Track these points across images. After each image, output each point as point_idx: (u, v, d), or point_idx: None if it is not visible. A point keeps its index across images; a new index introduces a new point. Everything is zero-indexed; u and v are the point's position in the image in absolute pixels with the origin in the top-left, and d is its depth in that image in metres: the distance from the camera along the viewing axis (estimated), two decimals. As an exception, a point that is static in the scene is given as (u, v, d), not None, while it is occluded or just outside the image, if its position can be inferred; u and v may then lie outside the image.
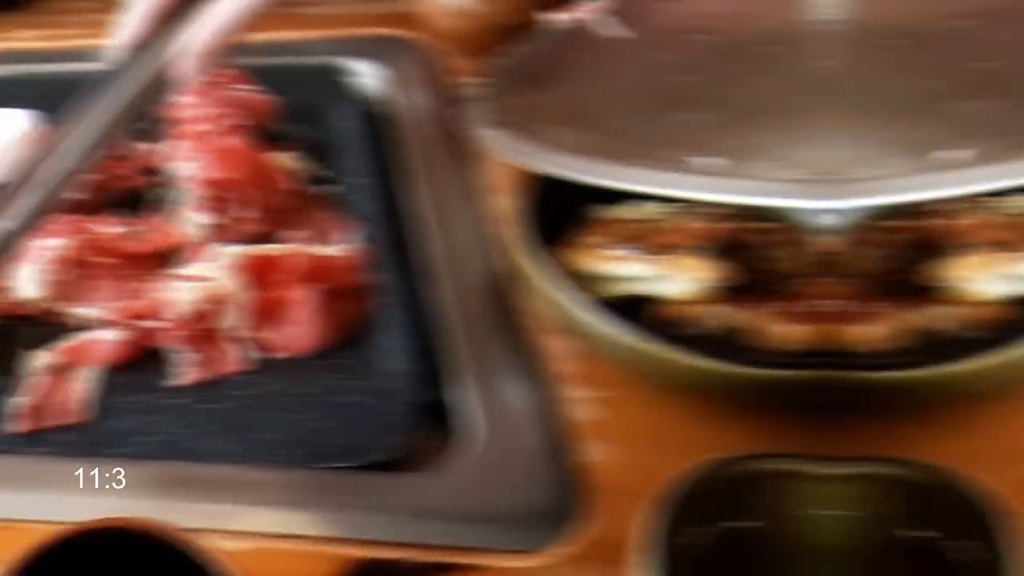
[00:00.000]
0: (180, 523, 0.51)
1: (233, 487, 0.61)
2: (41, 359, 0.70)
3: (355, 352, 0.70)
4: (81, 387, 0.69)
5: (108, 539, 0.47)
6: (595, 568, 0.55)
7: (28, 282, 0.73)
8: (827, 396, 0.62)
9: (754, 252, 0.67)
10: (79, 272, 0.74)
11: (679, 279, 0.64)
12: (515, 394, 0.64)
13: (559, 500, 0.58)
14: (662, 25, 0.73)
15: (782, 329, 0.64)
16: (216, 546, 0.45)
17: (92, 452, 0.64)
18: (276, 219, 0.79)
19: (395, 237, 0.77)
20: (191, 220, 0.78)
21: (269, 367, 0.70)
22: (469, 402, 0.64)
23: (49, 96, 0.77)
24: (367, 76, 0.98)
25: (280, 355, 0.70)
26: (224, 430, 0.66)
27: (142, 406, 0.67)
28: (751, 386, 0.60)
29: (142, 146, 0.87)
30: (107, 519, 0.48)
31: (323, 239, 0.77)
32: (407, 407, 0.65)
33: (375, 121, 0.92)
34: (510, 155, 0.58)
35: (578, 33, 0.75)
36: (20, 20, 1.10)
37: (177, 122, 0.85)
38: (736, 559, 0.52)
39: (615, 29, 0.70)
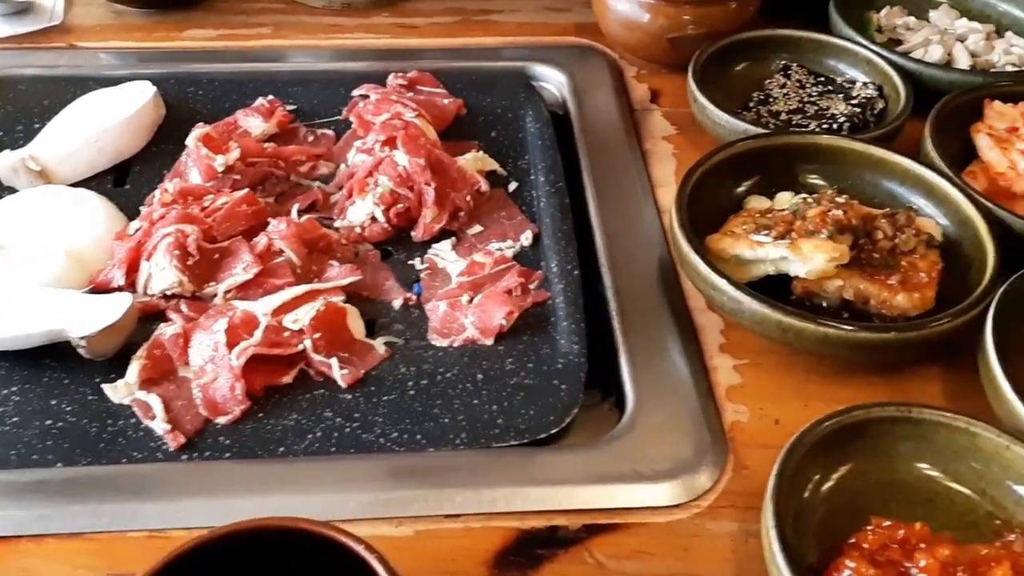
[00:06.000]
0: (344, 516, 0.60)
1: (398, 475, 0.65)
2: (194, 357, 0.73)
3: (527, 338, 0.78)
4: (228, 385, 0.71)
5: (257, 540, 0.51)
6: (735, 516, 0.65)
7: (162, 271, 0.79)
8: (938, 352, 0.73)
9: (867, 233, 0.76)
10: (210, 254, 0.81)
11: (805, 259, 0.74)
12: (672, 367, 0.75)
13: (707, 458, 0.68)
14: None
15: (895, 296, 0.74)
16: (382, 534, 0.52)
17: (250, 454, 0.68)
18: (454, 214, 0.89)
19: (570, 230, 0.88)
20: (365, 211, 0.87)
21: (439, 357, 0.76)
22: (631, 376, 0.74)
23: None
24: (551, 81, 1.10)
25: (450, 346, 0.77)
26: (392, 420, 0.70)
27: (302, 403, 0.72)
28: (872, 346, 0.71)
29: (323, 135, 0.99)
30: (252, 520, 0.51)
31: (500, 235, 0.89)
32: (573, 386, 0.73)
33: (557, 123, 1.04)
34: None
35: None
36: (196, 19, 1.15)
37: (361, 118, 0.97)
38: (853, 493, 0.64)
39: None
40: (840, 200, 0.78)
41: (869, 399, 0.67)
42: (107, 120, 0.95)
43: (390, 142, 0.92)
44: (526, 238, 0.89)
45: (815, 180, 0.88)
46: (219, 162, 0.89)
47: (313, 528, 0.52)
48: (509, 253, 0.88)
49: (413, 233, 0.90)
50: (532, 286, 0.84)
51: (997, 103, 0.94)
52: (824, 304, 0.77)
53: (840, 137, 0.88)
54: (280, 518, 0.53)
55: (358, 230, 0.89)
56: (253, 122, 0.97)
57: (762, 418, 0.71)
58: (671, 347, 0.77)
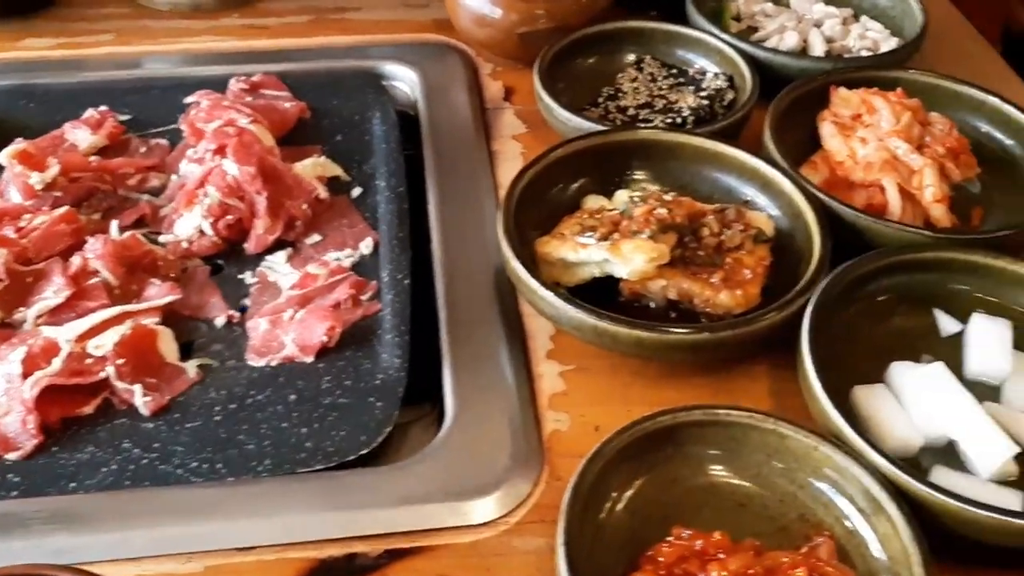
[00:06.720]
0: (130, 554, 0.58)
1: (190, 507, 0.62)
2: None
3: (350, 354, 0.74)
4: (20, 418, 0.67)
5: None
6: (543, 531, 0.62)
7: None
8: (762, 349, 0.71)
9: (693, 230, 0.75)
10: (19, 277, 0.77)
11: (625, 260, 0.72)
12: (498, 376, 0.72)
13: (520, 472, 0.66)
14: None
15: (717, 294, 0.72)
16: (170, 571, 0.50)
17: (39, 491, 0.64)
18: (290, 224, 0.86)
19: (409, 237, 0.85)
20: (193, 224, 0.84)
21: (253, 379, 0.73)
22: (453, 389, 0.71)
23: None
24: (404, 80, 1.06)
25: (267, 366, 0.74)
26: (193, 449, 0.67)
27: (101, 435, 0.68)
28: (687, 347, 0.69)
29: (156, 146, 0.94)
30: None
31: (339, 244, 0.86)
32: (389, 403, 0.70)
33: (406, 124, 1.00)
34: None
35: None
36: (35, 27, 1.11)
37: (192, 126, 0.92)
38: (663, 502, 0.62)
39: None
40: (668, 198, 0.77)
41: (695, 400, 0.65)
42: (-80, 139, 0.90)
43: (221, 150, 0.88)
44: (366, 246, 0.86)
45: (651, 177, 0.86)
46: (35, 179, 0.85)
47: (54, 574, 0.49)
48: (347, 263, 0.84)
49: (246, 245, 0.86)
50: (364, 297, 0.81)
51: (842, 90, 0.93)
52: (652, 305, 0.75)
53: (675, 132, 0.86)
54: (22, 565, 0.50)
55: (186, 244, 0.85)
56: (80, 135, 0.93)
57: (583, 425, 0.69)
58: (500, 355, 0.74)
